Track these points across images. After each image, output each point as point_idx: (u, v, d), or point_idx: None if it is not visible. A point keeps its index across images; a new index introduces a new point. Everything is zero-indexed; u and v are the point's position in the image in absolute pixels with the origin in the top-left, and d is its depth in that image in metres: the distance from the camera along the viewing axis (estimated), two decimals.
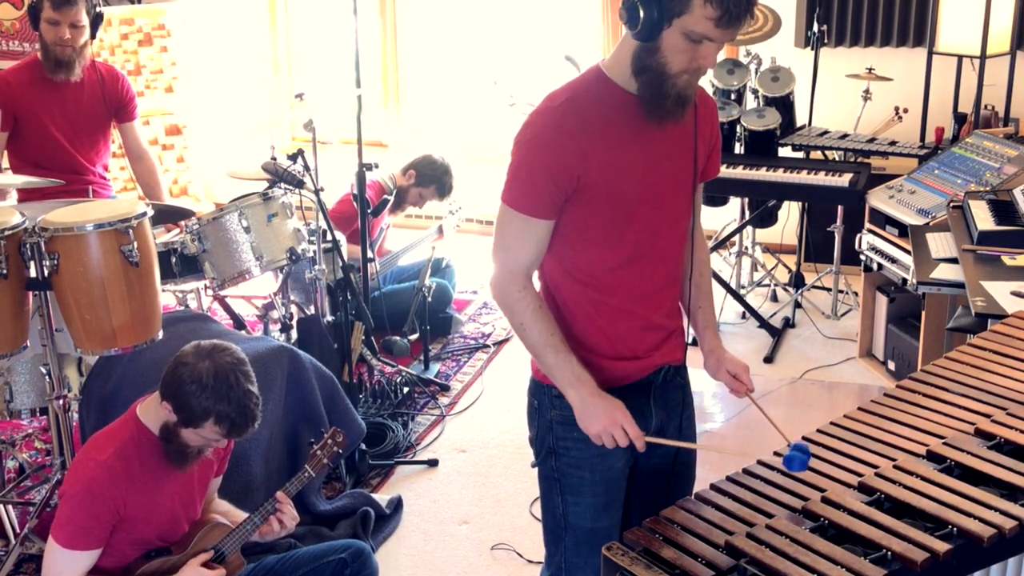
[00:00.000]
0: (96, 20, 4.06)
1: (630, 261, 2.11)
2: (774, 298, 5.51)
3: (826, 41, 5.55)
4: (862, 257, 4.60)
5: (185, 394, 2.42)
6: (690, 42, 1.93)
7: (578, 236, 2.09)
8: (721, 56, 5.48)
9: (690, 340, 2.37)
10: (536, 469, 2.30)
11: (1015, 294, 3.18)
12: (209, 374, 2.41)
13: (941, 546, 1.72)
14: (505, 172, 2.09)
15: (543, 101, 2.07)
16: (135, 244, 2.95)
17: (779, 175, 4.79)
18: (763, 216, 5.39)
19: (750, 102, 5.20)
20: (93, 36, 4.08)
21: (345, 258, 4.13)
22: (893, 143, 4.94)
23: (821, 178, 4.72)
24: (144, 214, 3.03)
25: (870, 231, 4.53)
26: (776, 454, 2.07)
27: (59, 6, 3.91)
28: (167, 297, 4.19)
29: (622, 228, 2.08)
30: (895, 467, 1.97)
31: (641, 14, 1.91)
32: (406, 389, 4.40)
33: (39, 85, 4.05)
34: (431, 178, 5.04)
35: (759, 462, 2.06)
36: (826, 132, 5.11)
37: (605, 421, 2.05)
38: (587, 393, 2.07)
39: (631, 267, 2.12)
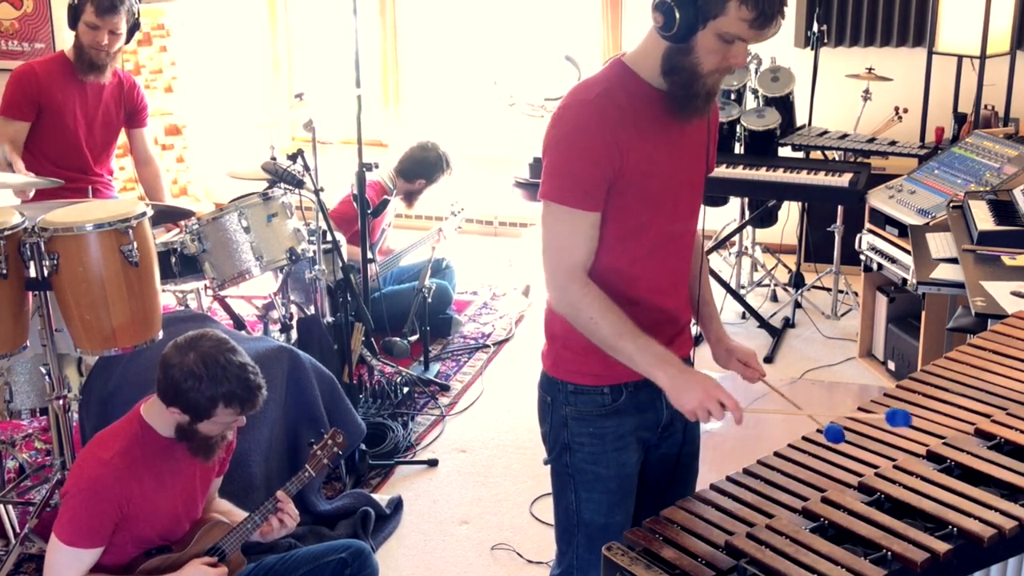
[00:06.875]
0: (133, 28, 4.10)
1: (650, 254, 2.13)
2: (774, 298, 5.51)
3: (826, 41, 5.55)
4: (862, 257, 4.60)
5: (185, 392, 2.43)
6: (723, 43, 1.95)
7: (603, 228, 2.08)
8: None
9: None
10: (547, 466, 2.29)
11: (1015, 294, 3.17)
12: (198, 364, 2.43)
13: (941, 546, 1.72)
14: (539, 172, 2.07)
15: (572, 95, 2.07)
16: (135, 244, 2.95)
17: (779, 175, 4.79)
18: (763, 216, 5.39)
19: (750, 102, 5.20)
20: (128, 41, 4.14)
21: (345, 258, 4.12)
22: (893, 143, 4.94)
23: (821, 178, 4.72)
24: (144, 214, 3.03)
25: (870, 231, 4.52)
26: (777, 454, 2.08)
27: (103, 13, 3.94)
28: (167, 297, 4.18)
29: (647, 221, 2.09)
30: (895, 467, 1.97)
31: (677, 16, 1.92)
32: (406, 389, 4.39)
33: (66, 81, 4.08)
34: (412, 166, 5.01)
35: (759, 462, 2.06)
36: (826, 132, 5.11)
37: (701, 396, 2.01)
38: (676, 371, 2.04)
39: (651, 259, 2.14)
